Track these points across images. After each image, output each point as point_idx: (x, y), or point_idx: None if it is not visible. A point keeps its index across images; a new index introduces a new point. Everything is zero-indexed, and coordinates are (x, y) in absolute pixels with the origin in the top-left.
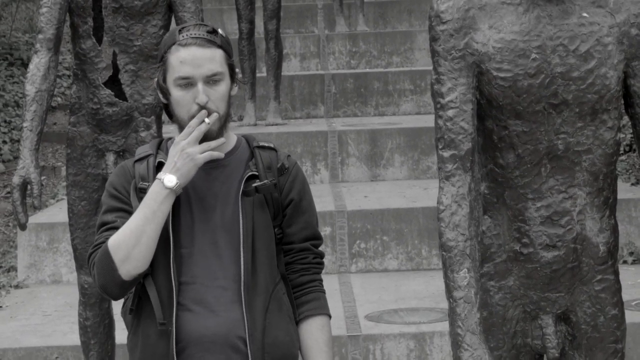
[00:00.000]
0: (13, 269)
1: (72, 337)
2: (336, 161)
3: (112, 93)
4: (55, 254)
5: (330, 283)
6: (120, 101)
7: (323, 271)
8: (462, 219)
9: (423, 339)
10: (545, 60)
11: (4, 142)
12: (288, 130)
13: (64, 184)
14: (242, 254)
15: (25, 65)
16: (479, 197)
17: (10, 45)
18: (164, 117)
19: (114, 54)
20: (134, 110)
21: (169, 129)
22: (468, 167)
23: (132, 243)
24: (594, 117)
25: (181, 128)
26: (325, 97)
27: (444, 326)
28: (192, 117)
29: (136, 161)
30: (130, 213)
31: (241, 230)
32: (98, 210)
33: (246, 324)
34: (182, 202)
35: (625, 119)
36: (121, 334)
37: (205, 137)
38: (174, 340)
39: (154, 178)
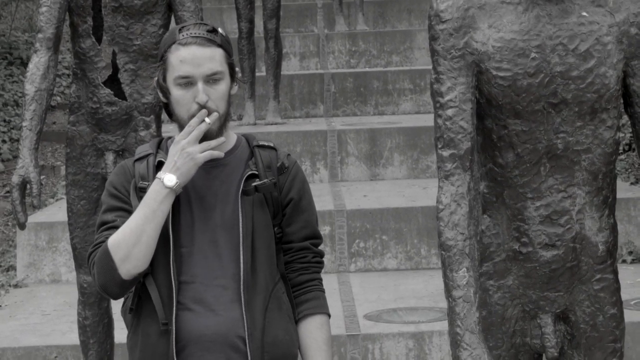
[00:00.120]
0: (12, 268)
1: (71, 336)
2: (335, 160)
3: (112, 92)
4: (55, 253)
5: (329, 282)
6: (120, 100)
7: (322, 270)
8: (461, 218)
9: (422, 338)
10: (544, 59)
11: (4, 141)
12: (287, 130)
13: (63, 183)
14: (241, 253)
15: (24, 64)
16: (478, 197)
17: (10, 44)
18: (164, 116)
19: (114, 53)
20: (133, 110)
21: (168, 128)
22: (467, 166)
23: (132, 242)
24: (593, 116)
25: (181, 127)
26: (324, 96)
27: (443, 325)
28: (192, 116)
29: (136, 160)
30: (130, 212)
31: (241, 229)
32: (97, 210)
33: (246, 323)
34: (182, 201)
35: (625, 118)
36: (120, 333)
37: (205, 137)
38: (174, 339)
39: (154, 177)
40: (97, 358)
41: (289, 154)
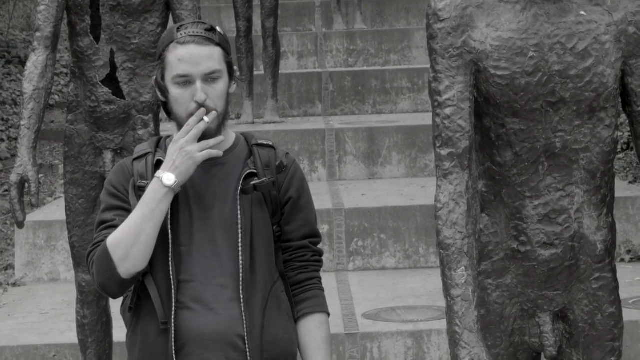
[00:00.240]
0: (10, 267)
1: (70, 335)
2: (334, 159)
3: (110, 91)
4: (53, 252)
5: (327, 281)
6: (118, 99)
7: (321, 269)
8: (460, 216)
9: (420, 337)
10: (542, 58)
11: (2, 140)
12: (285, 129)
13: (62, 182)
14: (240, 252)
15: (22, 63)
16: (476, 195)
17: (8, 43)
18: (162, 115)
19: (112, 52)
20: (131, 108)
21: (166, 127)
22: (465, 165)
23: (130, 241)
24: (591, 115)
25: (180, 126)
26: (322, 95)
27: (442, 324)
28: (191, 115)
29: (135, 159)
30: (129, 211)
31: (240, 228)
32: (96, 208)
33: (245, 322)
34: (180, 200)
35: (623, 117)
36: (119, 332)
37: (204, 135)
38: (173, 338)
39: (153, 176)
40: (95, 357)
41: (287, 153)
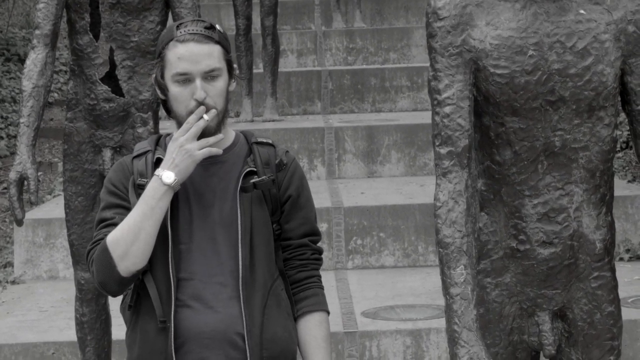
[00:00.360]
0: (9, 264)
1: (69, 332)
2: (333, 157)
3: (109, 89)
4: (52, 250)
5: (326, 279)
6: (117, 97)
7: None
8: (459, 215)
9: (419, 335)
10: (542, 57)
11: (1, 137)
12: (285, 127)
13: (61, 179)
14: (240, 250)
15: (22, 61)
16: (475, 194)
17: (7, 40)
18: (161, 112)
19: (111, 50)
20: (130, 106)
21: (165, 125)
22: (465, 163)
23: (130, 239)
24: (590, 114)
25: (179, 124)
26: (322, 93)
27: (441, 323)
28: (191, 113)
29: (134, 157)
30: (128, 209)
31: (239, 226)
32: (95, 206)
33: (244, 320)
34: (180, 199)
35: (622, 115)
36: (118, 329)
37: (204, 133)
38: (173, 336)
39: (153, 174)
40: (94, 354)
41: (287, 151)
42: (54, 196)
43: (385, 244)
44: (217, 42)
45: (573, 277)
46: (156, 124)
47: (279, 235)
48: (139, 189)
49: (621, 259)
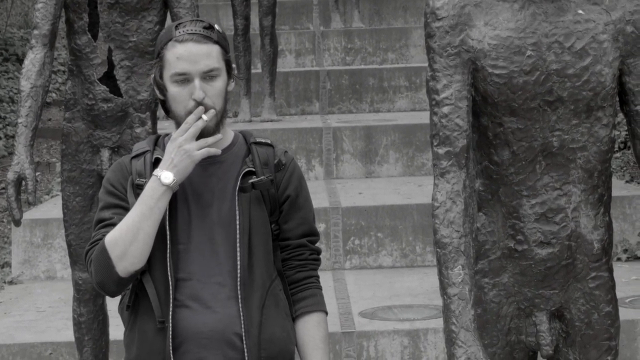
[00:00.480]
0: (7, 264)
1: (66, 333)
2: (331, 158)
3: (107, 89)
4: (50, 250)
5: (324, 280)
6: (115, 97)
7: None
8: (457, 215)
9: (417, 335)
10: (540, 57)
11: None
12: (283, 127)
13: (59, 180)
14: (238, 250)
15: (20, 60)
16: (473, 194)
17: (5, 40)
18: (159, 113)
19: (109, 50)
20: (129, 107)
21: (163, 125)
22: (463, 164)
23: (129, 240)
24: (588, 114)
25: (178, 124)
26: (320, 93)
27: (438, 323)
28: (189, 113)
29: (133, 157)
30: (127, 210)
31: (238, 226)
32: (93, 206)
33: (242, 320)
34: (179, 199)
35: (620, 116)
36: (115, 330)
37: (202, 134)
38: (171, 336)
39: (151, 174)
40: (92, 355)
41: (286, 151)
42: (52, 196)
43: (383, 244)
44: (216, 42)
45: (571, 278)
46: (154, 124)
47: (277, 236)
48: (138, 189)
49: (619, 259)
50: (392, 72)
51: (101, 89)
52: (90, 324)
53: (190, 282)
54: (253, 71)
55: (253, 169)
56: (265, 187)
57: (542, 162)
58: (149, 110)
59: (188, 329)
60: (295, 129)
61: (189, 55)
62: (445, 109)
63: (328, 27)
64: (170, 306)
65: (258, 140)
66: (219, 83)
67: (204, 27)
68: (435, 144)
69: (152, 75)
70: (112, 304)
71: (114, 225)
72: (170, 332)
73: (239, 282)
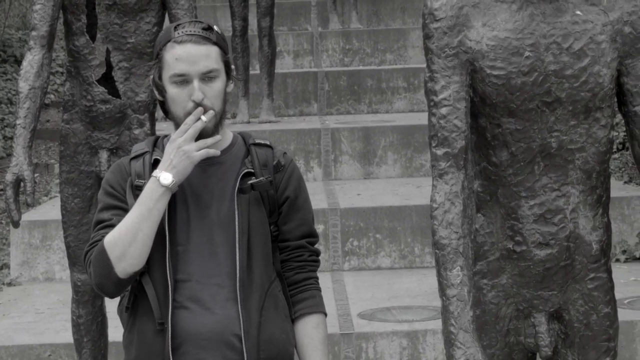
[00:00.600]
0: (6, 266)
1: (65, 334)
2: (329, 159)
3: (106, 90)
4: (48, 252)
5: (323, 281)
6: (114, 98)
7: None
8: (455, 216)
9: (416, 337)
10: (538, 58)
11: None
12: (281, 128)
13: (57, 181)
14: (237, 251)
15: (18, 62)
16: (472, 195)
17: (4, 42)
18: (158, 114)
19: (108, 51)
20: (127, 108)
21: (162, 126)
22: (461, 165)
23: (128, 241)
24: (587, 115)
25: (177, 125)
26: (318, 94)
27: (437, 324)
28: (188, 114)
29: (132, 158)
30: (126, 211)
31: (237, 227)
32: (91, 208)
33: (242, 322)
34: (178, 200)
35: (619, 116)
36: (114, 331)
37: (201, 135)
38: (170, 337)
39: (150, 175)
40: (90, 356)
41: (285, 152)
42: (51, 198)
43: (381, 245)
44: (215, 43)
45: (569, 279)
46: (153, 125)
47: (276, 237)
48: (137, 190)
49: (617, 260)
50: (390, 73)
51: (99, 91)
52: (89, 326)
53: (190, 283)
54: (251, 72)
55: (252, 170)
56: (265, 188)
57: (540, 163)
58: (148, 111)
59: (187, 330)
60: (294, 130)
61: (188, 56)
62: (444, 110)
63: (326, 28)
64: (170, 307)
65: (257, 141)
66: (218, 84)
67: (203, 28)
68: (433, 145)
69: (151, 77)
70: (111, 306)
71: (113, 226)
72: (170, 333)
73: (238, 283)
